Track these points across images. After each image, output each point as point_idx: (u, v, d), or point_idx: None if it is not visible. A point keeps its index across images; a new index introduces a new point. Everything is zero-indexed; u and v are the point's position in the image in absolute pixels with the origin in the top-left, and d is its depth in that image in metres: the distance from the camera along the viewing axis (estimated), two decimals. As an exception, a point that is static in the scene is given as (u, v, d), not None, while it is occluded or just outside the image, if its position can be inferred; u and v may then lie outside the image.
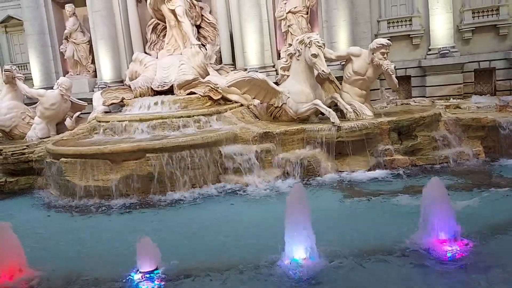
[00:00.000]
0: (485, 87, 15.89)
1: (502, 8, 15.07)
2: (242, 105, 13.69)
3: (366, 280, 6.12)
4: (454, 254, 6.41)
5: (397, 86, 12.85)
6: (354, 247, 6.94)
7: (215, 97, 13.69)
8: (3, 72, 14.97)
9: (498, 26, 15.20)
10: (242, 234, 8.15)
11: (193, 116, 12.52)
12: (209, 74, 14.83)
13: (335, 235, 7.47)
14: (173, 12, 15.60)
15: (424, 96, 15.59)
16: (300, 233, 6.40)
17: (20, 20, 19.45)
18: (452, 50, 15.23)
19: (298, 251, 6.46)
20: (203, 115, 12.57)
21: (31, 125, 14.65)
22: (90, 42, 18.40)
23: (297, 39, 12.33)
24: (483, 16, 15.29)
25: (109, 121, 13.03)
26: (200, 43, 15.73)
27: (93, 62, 18.61)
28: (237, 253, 7.24)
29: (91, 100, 16.02)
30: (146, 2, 16.33)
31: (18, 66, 17.90)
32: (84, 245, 8.36)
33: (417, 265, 6.30)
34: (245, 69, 15.69)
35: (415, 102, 15.07)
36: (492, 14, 15.20)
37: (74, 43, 18.48)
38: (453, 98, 14.99)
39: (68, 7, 18.20)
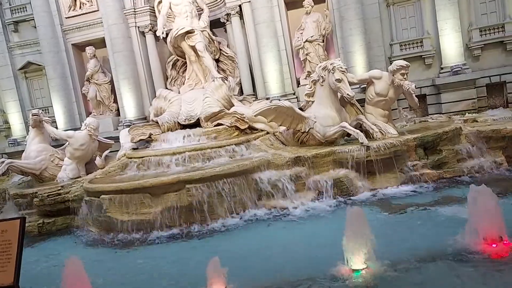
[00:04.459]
0: (497, 100, 16.36)
1: (507, 25, 15.67)
2: (268, 133, 14.05)
3: (427, 283, 6.47)
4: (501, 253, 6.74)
5: (418, 104, 13.31)
6: (405, 254, 7.27)
7: (242, 127, 14.09)
8: (31, 116, 15.18)
9: (505, 42, 15.78)
10: (294, 255, 8.34)
11: (224, 146, 12.83)
12: (233, 105, 15.27)
13: (383, 246, 7.49)
14: (193, 48, 16.18)
15: (440, 113, 16.06)
16: (360, 244, 6.79)
17: (39, 65, 20.01)
18: (463, 67, 15.77)
19: (358, 262, 6.83)
20: (234, 144, 12.91)
21: (60, 166, 14.80)
22: (111, 82, 19.01)
23: (320, 66, 12.74)
24: (490, 33, 15.89)
25: (141, 157, 13.27)
26: (222, 76, 16.26)
27: (115, 101, 19.20)
28: (297, 270, 7.44)
29: (116, 138, 16.45)
30: (164, 40, 16.94)
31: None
32: (147, 274, 8.62)
33: (470, 265, 6.63)
34: (267, 98, 16.23)
35: (432, 119, 15.44)
36: (499, 31, 15.81)
37: (96, 83, 19.06)
38: (469, 113, 15.43)
39: (89, 50, 18.86)
